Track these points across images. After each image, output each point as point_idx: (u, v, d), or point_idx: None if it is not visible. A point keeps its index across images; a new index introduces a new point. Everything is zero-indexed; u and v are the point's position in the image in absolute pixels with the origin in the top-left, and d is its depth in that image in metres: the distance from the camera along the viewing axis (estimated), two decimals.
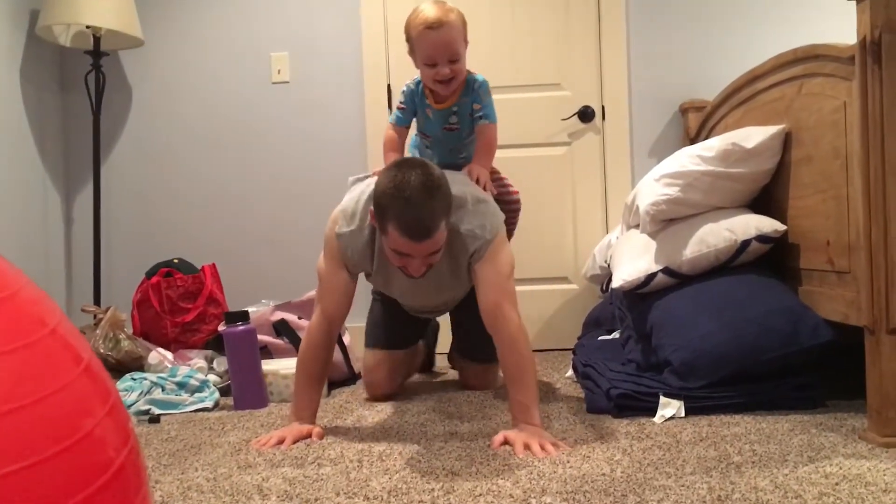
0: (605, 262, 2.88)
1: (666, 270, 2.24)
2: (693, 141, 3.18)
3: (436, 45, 2.06)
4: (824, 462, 1.51)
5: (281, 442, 1.81)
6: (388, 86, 3.42)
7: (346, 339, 2.82)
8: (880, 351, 1.64)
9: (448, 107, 2.20)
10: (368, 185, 1.97)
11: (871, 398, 1.66)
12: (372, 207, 1.80)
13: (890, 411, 1.62)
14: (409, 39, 2.14)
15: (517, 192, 2.40)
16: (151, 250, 3.41)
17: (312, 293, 2.97)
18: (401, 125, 2.25)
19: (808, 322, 1.97)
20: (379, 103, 3.42)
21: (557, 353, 3.24)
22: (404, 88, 2.25)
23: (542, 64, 3.40)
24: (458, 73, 2.10)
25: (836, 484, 1.37)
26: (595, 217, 3.41)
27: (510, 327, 1.83)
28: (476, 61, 3.37)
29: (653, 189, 2.30)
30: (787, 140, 2.21)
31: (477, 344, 2.32)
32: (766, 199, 2.31)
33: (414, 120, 2.29)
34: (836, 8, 3.16)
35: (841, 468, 1.46)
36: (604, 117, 3.38)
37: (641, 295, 2.32)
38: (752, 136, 2.22)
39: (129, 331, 2.86)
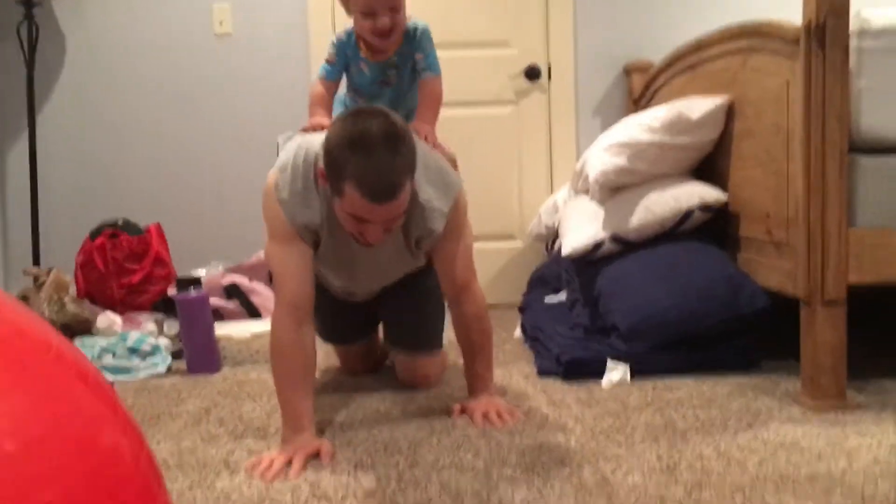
0: (554, 223, 2.94)
1: (614, 238, 2.31)
2: (637, 102, 3.25)
3: None
4: (762, 428, 1.61)
5: (288, 463, 1.47)
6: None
7: None
8: (815, 322, 1.75)
9: (386, 59, 1.95)
10: (307, 141, 1.68)
11: (805, 366, 1.77)
12: (322, 165, 1.55)
13: (822, 378, 1.74)
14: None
15: (454, 157, 2.02)
16: (91, 209, 3.34)
17: (261, 253, 2.98)
18: (330, 80, 1.99)
19: (746, 289, 2.07)
20: (324, 57, 3.37)
21: (503, 308, 3.32)
22: (333, 40, 1.99)
23: (490, 21, 3.40)
24: (398, 24, 1.87)
25: (774, 451, 1.47)
26: (540, 176, 3.46)
27: (478, 303, 1.80)
28: (421, 16, 3.36)
29: (602, 158, 2.36)
30: (730, 111, 2.28)
31: (412, 328, 2.05)
32: (709, 167, 2.39)
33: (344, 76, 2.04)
34: None
35: (777, 434, 1.57)
36: (550, 76, 3.41)
37: (588, 261, 2.40)
38: (697, 106, 2.29)
39: (73, 293, 2.82)
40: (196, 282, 2.38)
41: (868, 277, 1.75)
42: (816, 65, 1.72)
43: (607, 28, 3.38)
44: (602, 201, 2.41)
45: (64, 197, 3.42)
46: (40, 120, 3.37)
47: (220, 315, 2.63)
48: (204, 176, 3.43)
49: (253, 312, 2.63)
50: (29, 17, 3.15)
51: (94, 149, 3.43)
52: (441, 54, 3.31)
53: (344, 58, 1.98)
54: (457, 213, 1.74)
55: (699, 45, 2.56)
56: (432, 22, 3.44)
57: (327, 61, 1.98)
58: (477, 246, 3.42)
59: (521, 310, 2.91)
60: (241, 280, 2.70)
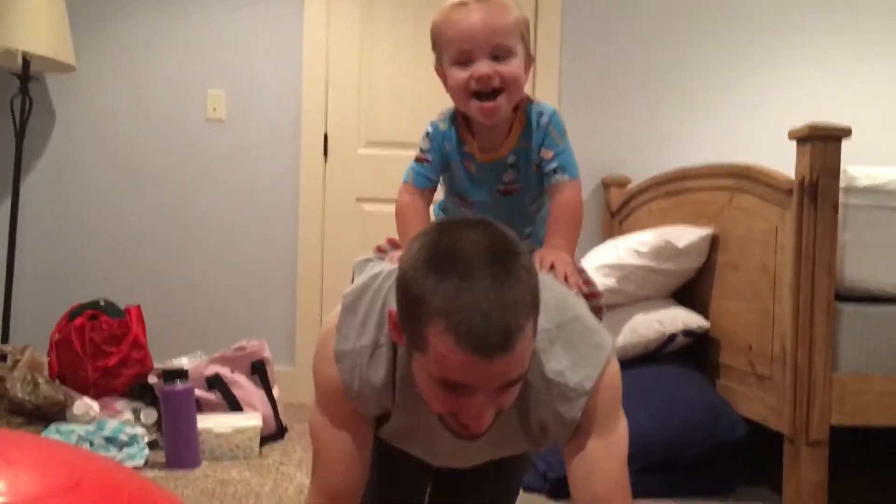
0: None
1: None
2: (614, 215, 3.38)
3: (470, 27, 1.32)
4: None
5: None
6: (326, 134, 3.45)
7: (276, 391, 2.83)
8: (799, 461, 1.83)
9: (502, 156, 1.40)
10: (386, 271, 1.21)
11: (788, 502, 1.85)
12: (393, 305, 1.07)
13: None
14: (434, 39, 1.43)
15: (601, 293, 1.45)
16: (68, 287, 3.29)
17: (244, 343, 2.97)
18: (423, 186, 1.43)
19: (726, 417, 2.16)
20: (315, 149, 3.44)
21: None
22: (428, 129, 1.45)
23: None
24: (508, 79, 1.31)
25: None
26: None
27: None
28: (409, 116, 3.49)
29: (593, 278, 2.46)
30: (714, 242, 2.41)
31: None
32: (690, 292, 2.51)
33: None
34: (763, 109, 3.46)
35: None
36: None
37: None
38: (683, 235, 2.41)
39: (46, 373, 2.76)
40: (183, 374, 2.37)
41: (850, 420, 1.85)
42: (808, 219, 1.85)
43: (588, 140, 3.52)
44: None
45: (41, 273, 3.37)
46: (24, 193, 3.34)
47: (200, 406, 2.61)
48: (187, 260, 3.42)
49: (234, 405, 2.62)
50: (24, 90, 3.15)
51: (76, 226, 3.40)
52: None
53: (442, 153, 1.44)
54: (603, 394, 1.15)
55: (685, 174, 2.70)
56: (416, 124, 3.58)
57: (417, 160, 1.45)
58: None
59: None
60: (224, 371, 2.69)
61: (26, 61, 3.12)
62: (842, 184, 1.90)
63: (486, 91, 1.33)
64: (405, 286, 1.00)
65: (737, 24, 3.52)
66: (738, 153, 2.68)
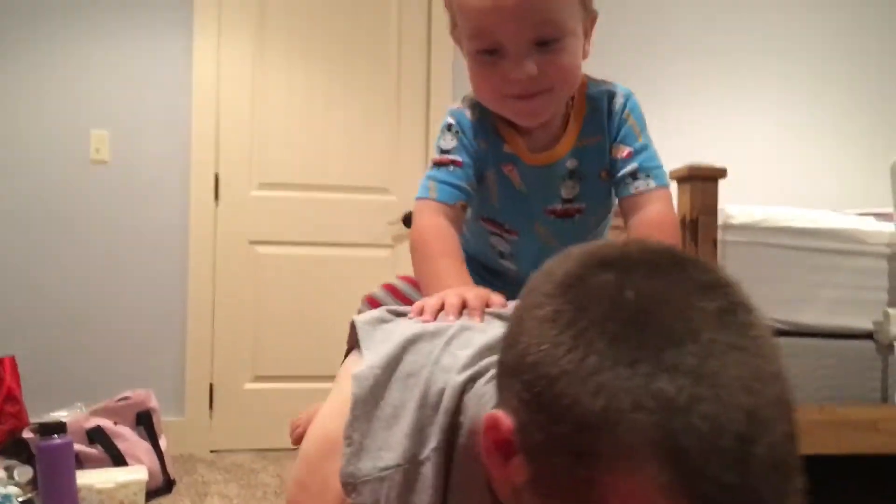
0: None
1: None
2: None
3: (499, 5, 0.93)
4: None
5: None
6: (217, 175, 3.38)
7: (163, 442, 2.71)
8: None
9: (559, 158, 1.05)
10: (431, 359, 0.77)
11: None
12: (507, 422, 0.60)
13: None
14: (451, 10, 1.05)
15: None
16: None
17: (128, 393, 2.83)
18: (453, 201, 1.03)
19: None
20: (205, 191, 3.36)
21: None
22: (449, 120, 1.07)
23: (373, 168, 3.53)
24: (557, 77, 0.96)
25: None
26: None
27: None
28: (303, 157, 3.46)
29: None
30: None
31: None
32: None
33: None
34: None
35: None
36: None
37: None
38: None
39: None
40: (60, 427, 2.23)
41: None
42: (690, 254, 1.92)
43: None
44: None
45: None
46: None
47: (80, 461, 2.46)
48: (68, 308, 3.24)
49: (118, 459, 2.48)
50: None
51: None
52: (321, 196, 3.39)
53: (473, 152, 1.04)
54: None
55: None
56: (318, 162, 3.56)
57: (438, 163, 1.03)
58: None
59: None
60: (106, 423, 2.55)
61: None
62: (720, 221, 1.98)
63: (514, 95, 0.98)
64: (550, 404, 0.54)
65: (626, 61, 3.64)
66: None
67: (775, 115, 3.69)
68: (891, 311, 1.99)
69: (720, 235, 1.98)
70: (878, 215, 2.36)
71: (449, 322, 0.82)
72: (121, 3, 3.29)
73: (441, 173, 1.04)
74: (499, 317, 0.84)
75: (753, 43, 3.69)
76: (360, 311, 1.08)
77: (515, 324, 0.60)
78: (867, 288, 2.03)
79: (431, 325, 0.81)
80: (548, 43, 0.95)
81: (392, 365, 0.77)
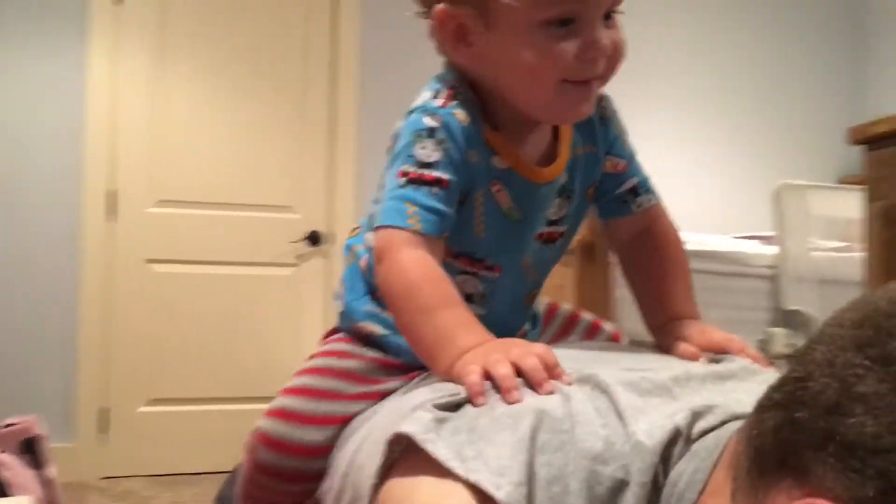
0: None
1: None
2: None
3: None
4: None
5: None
6: (113, 192, 3.27)
7: (52, 470, 2.59)
8: None
9: (561, 171, 0.90)
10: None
11: None
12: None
13: None
14: None
15: None
16: None
17: (13, 419, 2.69)
18: (438, 233, 0.81)
19: None
20: (98, 208, 3.25)
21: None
22: (429, 122, 0.82)
23: (275, 186, 3.49)
24: (619, 53, 0.82)
25: None
26: (316, 339, 3.47)
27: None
28: (203, 174, 3.38)
29: None
30: None
31: None
32: None
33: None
34: None
35: None
36: (332, 242, 3.53)
37: None
38: None
39: None
40: None
41: None
42: (586, 277, 1.99)
43: None
44: None
45: None
46: None
47: None
48: None
49: (1, 489, 2.35)
50: None
51: None
52: (222, 214, 3.29)
53: (464, 166, 0.82)
54: None
55: None
56: (219, 181, 3.49)
57: (418, 180, 0.81)
58: (246, 408, 3.37)
59: None
60: None
61: None
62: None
63: (584, 79, 0.80)
64: None
65: None
66: None
67: (665, 138, 3.84)
68: (772, 330, 2.11)
69: (613, 258, 2.06)
70: (761, 238, 2.49)
71: (515, 398, 0.66)
72: (13, 14, 3.16)
73: (422, 195, 0.79)
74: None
75: (636, 68, 3.84)
76: (253, 456, 0.91)
77: (834, 385, 0.47)
78: (751, 308, 2.14)
79: (530, 405, 0.65)
80: (610, 15, 0.80)
81: (531, 476, 0.61)
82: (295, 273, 3.49)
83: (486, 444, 0.62)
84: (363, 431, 0.81)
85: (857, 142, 1.45)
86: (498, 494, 0.59)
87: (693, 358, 0.80)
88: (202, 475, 3.15)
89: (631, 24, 0.84)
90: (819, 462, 0.46)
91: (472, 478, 0.60)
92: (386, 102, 3.58)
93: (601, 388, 0.67)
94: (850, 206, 1.64)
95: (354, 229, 1.00)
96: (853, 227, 1.70)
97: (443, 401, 0.68)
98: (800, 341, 2.30)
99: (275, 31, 3.47)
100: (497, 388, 0.67)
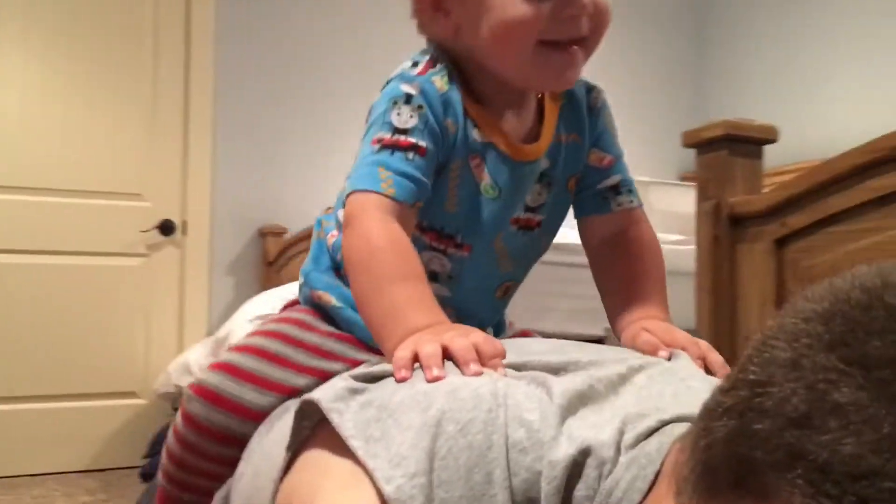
0: (186, 385, 2.89)
1: None
2: (271, 265, 3.39)
3: None
4: None
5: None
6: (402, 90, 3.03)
7: None
8: None
9: (542, 153, 0.87)
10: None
11: None
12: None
13: None
14: None
15: None
16: None
17: None
18: (412, 200, 0.78)
19: None
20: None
21: (121, 472, 3.11)
22: (406, 89, 0.79)
23: (124, 173, 3.32)
24: (603, 19, 0.80)
25: None
26: (170, 332, 3.38)
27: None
28: (44, 159, 3.17)
29: (246, 329, 2.43)
30: None
31: None
32: None
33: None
34: None
35: None
36: (185, 232, 3.41)
37: None
38: None
39: None
40: None
41: None
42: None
43: (245, 189, 3.50)
44: None
45: None
46: None
47: None
48: None
49: None
50: None
51: None
52: (66, 202, 3.13)
53: (442, 135, 0.80)
54: None
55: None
56: (59, 167, 3.30)
57: (393, 145, 0.78)
58: (93, 404, 3.22)
59: (146, 476, 2.76)
60: None
61: None
62: None
63: (564, 39, 0.78)
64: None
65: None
66: None
67: None
68: None
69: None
70: None
71: (434, 376, 0.62)
72: None
73: (396, 160, 0.76)
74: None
75: None
76: (185, 409, 0.86)
77: (801, 392, 0.39)
78: (596, 297, 2.25)
79: (451, 384, 0.60)
80: None
81: (431, 464, 0.56)
82: (146, 264, 3.35)
83: (393, 424, 0.58)
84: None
85: (689, 145, 1.55)
86: (387, 489, 0.55)
87: (653, 350, 0.77)
88: (46, 476, 2.99)
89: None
90: (785, 484, 0.38)
91: (370, 464, 0.57)
92: (242, 86, 3.48)
93: (538, 381, 0.62)
94: (689, 201, 1.75)
95: (328, 208, 0.95)
96: (691, 222, 1.82)
97: (361, 370, 0.65)
98: None
99: (122, 8, 3.30)
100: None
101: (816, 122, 3.45)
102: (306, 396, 0.63)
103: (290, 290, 2.54)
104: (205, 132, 3.43)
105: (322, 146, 3.58)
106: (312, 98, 3.57)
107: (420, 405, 0.58)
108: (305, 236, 3.08)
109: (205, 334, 3.30)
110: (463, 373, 0.62)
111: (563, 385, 0.61)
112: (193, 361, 2.96)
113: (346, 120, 3.61)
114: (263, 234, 3.47)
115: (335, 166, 3.59)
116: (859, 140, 1.21)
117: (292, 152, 3.57)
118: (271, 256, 3.39)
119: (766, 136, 1.42)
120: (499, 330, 0.97)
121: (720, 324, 1.42)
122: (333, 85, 3.59)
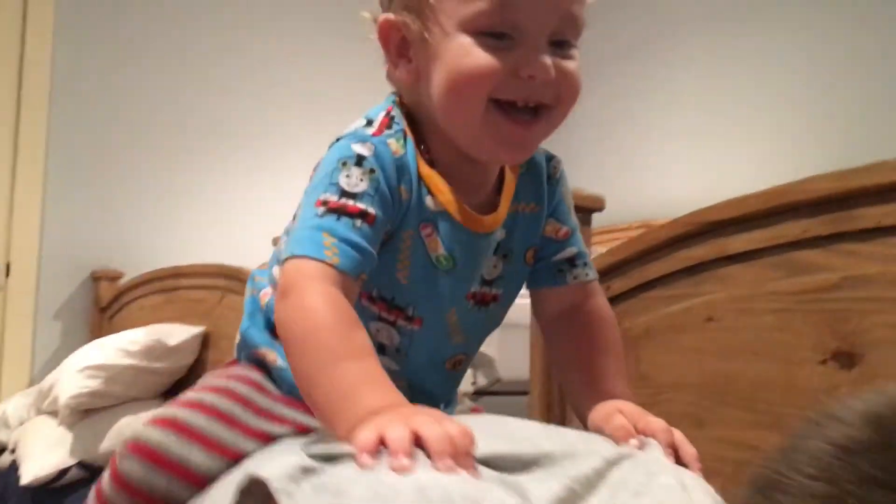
0: (7, 441, 2.69)
1: (80, 465, 2.24)
2: (104, 311, 3.23)
3: None
4: None
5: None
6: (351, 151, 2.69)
7: None
8: None
9: (497, 226, 0.85)
10: None
11: None
12: None
13: None
14: None
15: None
16: None
17: None
18: (356, 272, 0.73)
19: None
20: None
21: None
22: (356, 149, 0.75)
23: None
24: (569, 89, 0.76)
25: None
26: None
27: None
28: None
29: (74, 380, 2.31)
30: (205, 340, 2.47)
31: None
32: (179, 390, 2.52)
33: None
34: (257, 213, 3.57)
35: None
36: (8, 274, 3.20)
37: (52, 490, 2.26)
38: (175, 333, 2.43)
39: None
40: None
41: None
42: None
43: (77, 232, 3.32)
44: (71, 425, 2.33)
45: None
46: None
47: None
48: None
49: None
50: None
51: None
52: None
53: (392, 200, 0.77)
54: None
55: (178, 272, 2.73)
56: None
57: (340, 210, 0.73)
58: None
59: None
60: None
61: None
62: None
63: (523, 105, 0.74)
64: None
65: (231, 128, 3.64)
66: (233, 254, 2.76)
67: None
68: None
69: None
70: None
71: (403, 466, 0.55)
72: None
73: (343, 227, 0.71)
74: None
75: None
76: (118, 469, 0.76)
77: None
78: None
79: (419, 482, 0.53)
80: (563, 45, 0.74)
81: None
82: None
83: None
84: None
85: None
86: None
87: (625, 436, 0.73)
88: None
89: None
90: None
91: None
92: (80, 114, 3.29)
93: (513, 487, 0.56)
94: None
95: (262, 264, 0.91)
96: None
97: (319, 449, 0.58)
98: (480, 380, 2.52)
99: None
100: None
101: (637, 189, 3.72)
102: (252, 472, 0.56)
103: (126, 339, 2.45)
104: (35, 163, 3.25)
105: (170, 185, 3.47)
106: (161, 132, 3.45)
107: (384, 501, 0.51)
108: (143, 282, 2.97)
109: (27, 384, 3.09)
110: (436, 467, 0.55)
111: (540, 491, 0.56)
112: (12, 414, 2.76)
113: (197, 157, 3.54)
114: (97, 277, 3.31)
115: (183, 206, 3.50)
116: (675, 202, 1.33)
117: (134, 189, 3.41)
118: (104, 302, 3.23)
119: (595, 206, 1.54)
120: (450, 406, 0.93)
121: (552, 380, 1.50)
122: (184, 118, 3.50)
